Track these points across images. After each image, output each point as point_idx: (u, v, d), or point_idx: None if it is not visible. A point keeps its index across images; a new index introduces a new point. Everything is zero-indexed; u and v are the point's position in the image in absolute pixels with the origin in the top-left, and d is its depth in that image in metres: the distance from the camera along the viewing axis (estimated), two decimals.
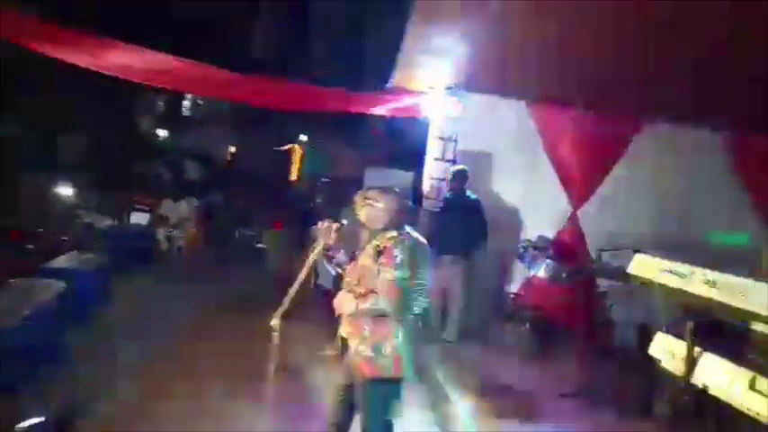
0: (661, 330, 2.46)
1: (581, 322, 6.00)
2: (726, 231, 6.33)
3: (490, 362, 5.58)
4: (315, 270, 7.52)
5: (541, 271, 5.67)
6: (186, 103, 22.97)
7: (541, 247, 5.92)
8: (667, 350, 2.38)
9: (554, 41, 5.15)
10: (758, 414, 1.87)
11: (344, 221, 3.62)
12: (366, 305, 3.07)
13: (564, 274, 5.62)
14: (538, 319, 5.85)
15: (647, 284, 2.35)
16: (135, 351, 5.67)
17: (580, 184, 6.85)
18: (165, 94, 20.38)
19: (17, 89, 10.15)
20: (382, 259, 3.12)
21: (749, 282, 1.83)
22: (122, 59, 6.08)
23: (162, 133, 21.35)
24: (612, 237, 6.29)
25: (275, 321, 3.44)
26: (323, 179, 16.43)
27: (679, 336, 2.35)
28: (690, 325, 2.15)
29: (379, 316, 3.13)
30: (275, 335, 3.47)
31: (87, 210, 10.31)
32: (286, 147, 19.55)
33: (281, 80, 7.05)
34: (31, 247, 6.68)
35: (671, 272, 2.16)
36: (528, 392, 4.92)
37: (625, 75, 5.56)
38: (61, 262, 6.37)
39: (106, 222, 9.89)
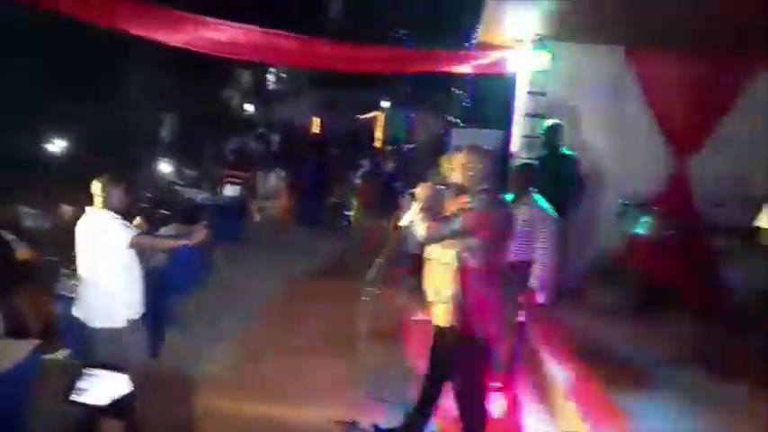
0: None
1: (690, 284, 5.57)
2: None
3: (588, 326, 5.29)
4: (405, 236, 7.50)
5: (645, 228, 5.27)
6: (270, 77, 23.50)
7: (644, 203, 5.50)
8: None
9: None
10: None
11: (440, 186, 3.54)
12: (417, 219, 3.04)
13: (670, 232, 5.19)
14: (641, 280, 5.47)
15: None
16: (234, 316, 5.93)
17: (687, 135, 6.27)
18: (250, 69, 20.92)
19: (114, 72, 10.69)
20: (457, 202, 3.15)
21: None
22: (211, 35, 6.13)
23: (249, 108, 22.01)
24: (725, 191, 5.74)
25: (367, 288, 3.47)
26: (406, 145, 16.31)
27: None
28: None
29: (445, 263, 3.13)
30: (366, 300, 3.50)
31: (184, 184, 10.81)
32: (369, 115, 19.58)
33: (360, 44, 6.86)
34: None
35: None
36: (630, 358, 4.61)
37: (739, 9, 4.94)
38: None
39: (202, 196, 10.31)
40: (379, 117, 19.05)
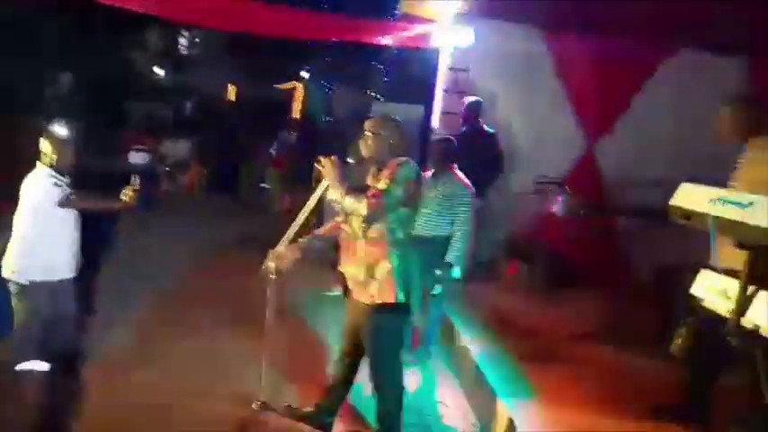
0: (706, 268, 2.24)
1: (597, 261, 5.83)
2: None
3: (501, 301, 5.43)
4: (320, 210, 7.35)
5: (557, 207, 5.42)
6: (183, 40, 22.24)
7: (558, 182, 5.66)
8: (713, 288, 2.17)
9: None
10: None
11: (350, 160, 3.51)
12: (349, 201, 2.92)
13: (580, 211, 5.38)
14: (552, 257, 5.66)
15: (693, 217, 2.10)
16: (139, 290, 5.58)
17: (598, 116, 6.49)
18: (162, 30, 19.70)
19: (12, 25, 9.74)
20: (382, 174, 3.04)
21: None
22: None
23: (160, 72, 20.78)
24: (633, 171, 6.02)
25: (270, 263, 3.35)
26: (325, 118, 16.03)
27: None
28: (746, 258, 1.93)
29: (373, 239, 3.02)
30: (271, 277, 3.38)
31: (84, 150, 10.04)
32: (288, 84, 19.05)
33: (281, 7, 6.55)
34: None
35: (727, 201, 1.92)
36: (541, 332, 4.76)
37: None
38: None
39: (104, 163, 9.62)
40: (299, 88, 18.57)
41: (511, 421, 3.25)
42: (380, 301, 3.02)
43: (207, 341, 4.62)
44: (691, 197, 2.14)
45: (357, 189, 3.04)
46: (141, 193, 3.60)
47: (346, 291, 3.24)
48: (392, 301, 3.01)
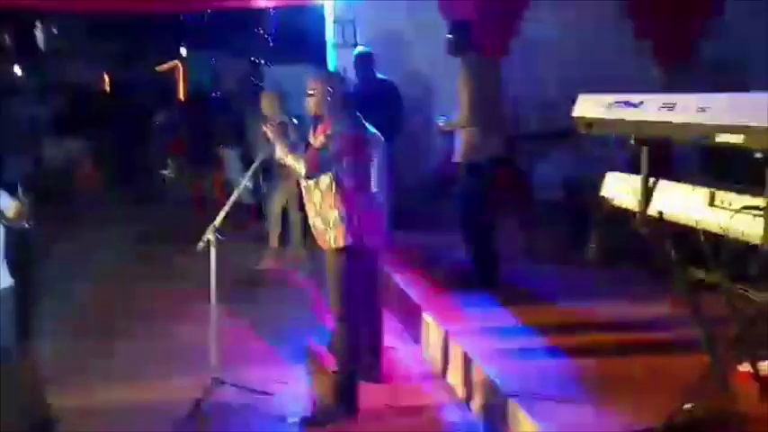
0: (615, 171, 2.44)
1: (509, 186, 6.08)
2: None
3: (425, 239, 5.61)
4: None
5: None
6: (39, 34, 20.37)
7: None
8: (620, 187, 2.38)
9: None
10: (721, 228, 1.88)
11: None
12: (291, 159, 3.15)
13: None
14: None
15: (594, 125, 2.26)
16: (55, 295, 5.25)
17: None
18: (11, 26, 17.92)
19: None
20: (318, 131, 3.21)
21: (707, 96, 1.75)
22: None
23: (19, 71, 19.04)
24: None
25: (210, 236, 3.29)
26: (214, 93, 15.42)
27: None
28: (645, 153, 2.13)
29: (326, 188, 3.15)
30: (212, 251, 3.31)
31: None
32: (168, 65, 18.09)
33: None
34: None
35: (622, 103, 2.08)
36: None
37: None
38: None
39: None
40: (179, 67, 17.70)
41: None
42: (339, 246, 3.15)
43: (144, 327, 4.54)
44: (589, 105, 2.29)
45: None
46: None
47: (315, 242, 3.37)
48: (343, 244, 3.14)
